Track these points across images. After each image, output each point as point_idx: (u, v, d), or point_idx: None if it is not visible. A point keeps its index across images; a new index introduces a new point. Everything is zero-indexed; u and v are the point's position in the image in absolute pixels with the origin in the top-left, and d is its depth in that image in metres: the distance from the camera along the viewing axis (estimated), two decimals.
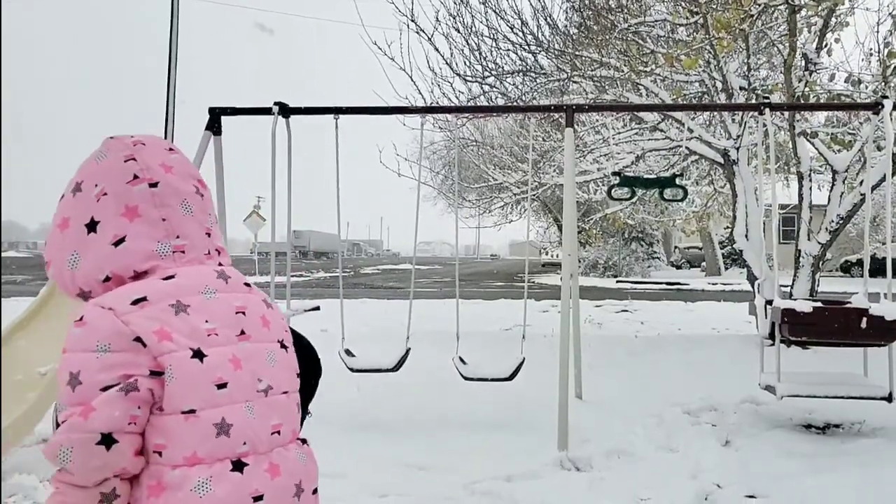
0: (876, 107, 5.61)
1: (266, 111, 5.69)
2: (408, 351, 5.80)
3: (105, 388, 1.29)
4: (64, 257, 1.46)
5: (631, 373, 7.58)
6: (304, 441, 1.56)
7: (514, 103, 10.10)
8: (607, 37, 9.35)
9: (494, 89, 10.46)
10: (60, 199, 1.52)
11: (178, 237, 1.48)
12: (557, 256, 43.52)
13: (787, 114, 8.90)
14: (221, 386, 1.38)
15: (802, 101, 8.19)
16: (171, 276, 1.43)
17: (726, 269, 34.53)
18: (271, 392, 1.48)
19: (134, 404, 1.31)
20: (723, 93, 9.03)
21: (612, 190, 6.77)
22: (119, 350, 1.31)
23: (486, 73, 10.29)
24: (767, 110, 5.61)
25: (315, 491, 1.52)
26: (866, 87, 8.76)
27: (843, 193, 8.69)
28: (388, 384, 6.25)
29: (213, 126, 5.76)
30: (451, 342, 5.95)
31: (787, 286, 8.87)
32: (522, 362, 5.63)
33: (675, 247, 44.06)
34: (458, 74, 10.33)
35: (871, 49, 9.11)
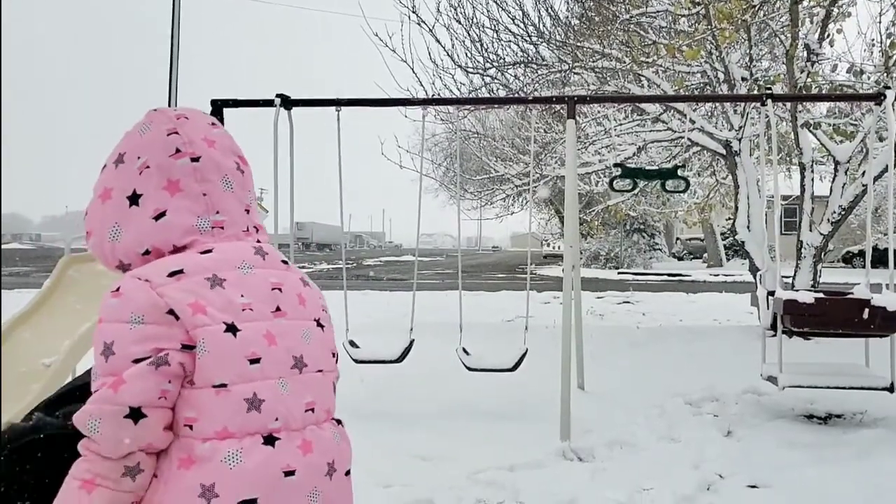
0: (878, 97, 5.61)
1: (268, 103, 5.69)
2: (411, 342, 5.81)
3: (136, 361, 1.29)
4: (105, 229, 1.45)
5: (633, 364, 7.59)
6: (339, 421, 1.54)
7: (516, 95, 10.08)
8: (609, 27, 9.34)
9: (496, 81, 10.45)
10: (102, 169, 1.51)
11: (217, 213, 1.46)
12: (559, 248, 43.47)
13: (789, 105, 8.89)
14: (254, 361, 1.36)
15: (804, 92, 8.18)
16: (209, 251, 1.42)
17: (728, 260, 34.51)
18: (306, 369, 1.45)
19: (164, 378, 1.30)
20: (725, 84, 9.01)
21: (614, 181, 6.77)
22: (152, 322, 1.30)
23: (488, 65, 10.28)
24: (769, 101, 5.61)
25: (348, 473, 1.50)
26: (868, 78, 8.75)
27: (845, 184, 8.68)
28: (392, 375, 6.27)
29: (215, 118, 5.77)
30: (454, 333, 5.96)
31: (788, 277, 8.88)
32: (525, 353, 5.65)
33: (677, 238, 44.02)
34: (460, 66, 10.33)
35: (873, 39, 9.11)
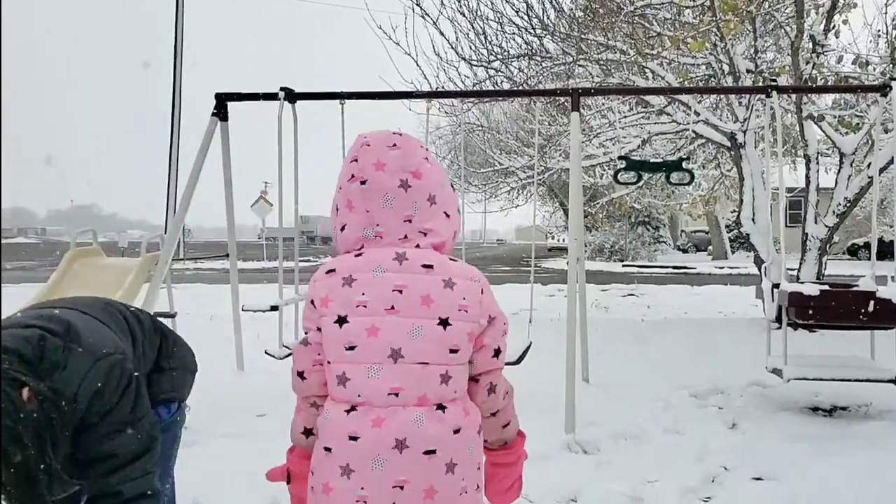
0: (884, 89, 5.59)
1: (272, 96, 5.69)
2: None
3: (305, 334, 1.79)
4: (335, 231, 1.86)
5: (637, 356, 7.59)
6: (441, 407, 1.70)
7: (520, 87, 10.07)
8: (613, 19, 9.31)
9: (500, 73, 10.43)
10: None
11: (377, 225, 1.77)
12: (564, 241, 43.45)
13: (794, 96, 8.87)
14: (350, 348, 1.69)
15: (810, 84, 8.15)
16: (360, 254, 1.77)
17: (733, 252, 34.45)
18: (401, 360, 1.68)
19: (313, 352, 1.77)
20: (729, 76, 8.98)
21: (619, 174, 6.76)
22: (309, 309, 1.77)
23: (492, 58, 10.27)
24: (774, 93, 5.59)
25: (427, 452, 1.66)
26: (874, 69, 8.72)
27: (850, 176, 8.66)
28: None
29: (220, 112, 5.77)
30: None
31: (793, 269, 8.86)
32: (529, 346, 5.64)
33: (682, 231, 43.97)
34: (464, 59, 10.31)
35: (879, 31, 9.07)
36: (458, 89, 10.08)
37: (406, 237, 1.78)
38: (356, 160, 1.80)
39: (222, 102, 5.79)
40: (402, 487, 1.65)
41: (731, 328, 8.97)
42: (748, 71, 8.85)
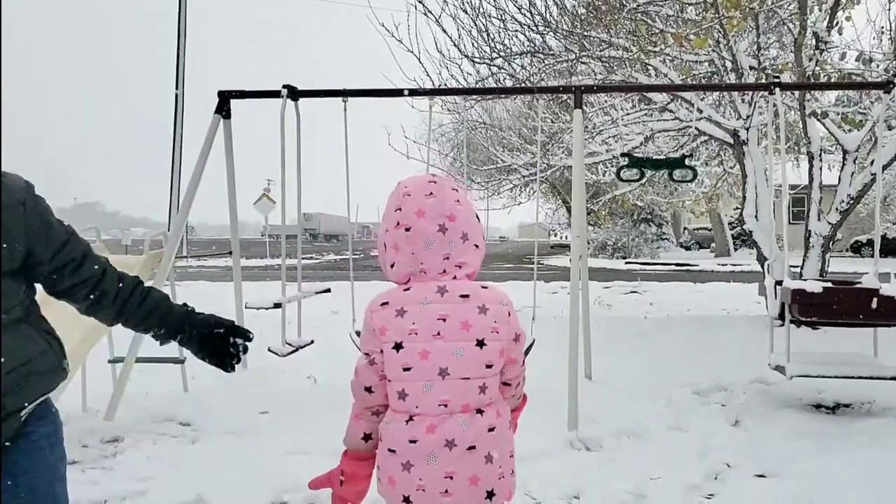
0: (887, 86, 5.58)
1: (275, 94, 5.69)
2: None
3: (365, 355, 2.15)
4: (385, 265, 2.22)
5: (640, 353, 7.60)
6: (479, 412, 2.12)
7: (523, 85, 10.06)
8: (616, 16, 9.29)
9: (502, 71, 10.42)
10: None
11: (421, 263, 2.14)
12: (566, 238, 43.43)
13: (797, 93, 8.85)
14: (407, 369, 2.08)
15: (813, 81, 8.13)
16: (409, 289, 2.15)
17: (736, 249, 34.42)
18: (448, 377, 2.08)
19: (378, 368, 2.13)
20: (732, 72, 8.97)
21: (621, 171, 6.75)
22: (369, 335, 2.13)
23: (494, 55, 10.25)
24: (777, 90, 5.58)
25: (470, 448, 2.08)
26: (878, 66, 8.70)
27: (853, 173, 8.65)
28: None
29: (223, 109, 5.77)
30: None
31: (796, 267, 8.86)
32: (532, 343, 5.64)
33: (685, 228, 43.92)
34: (466, 56, 10.30)
35: (882, 27, 9.05)
36: (461, 86, 10.07)
37: (445, 271, 2.15)
38: (400, 209, 2.16)
39: (225, 100, 5.79)
40: (451, 477, 2.06)
41: (733, 325, 8.96)
42: (751, 68, 8.83)
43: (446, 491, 2.06)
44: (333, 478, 2.28)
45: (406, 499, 2.11)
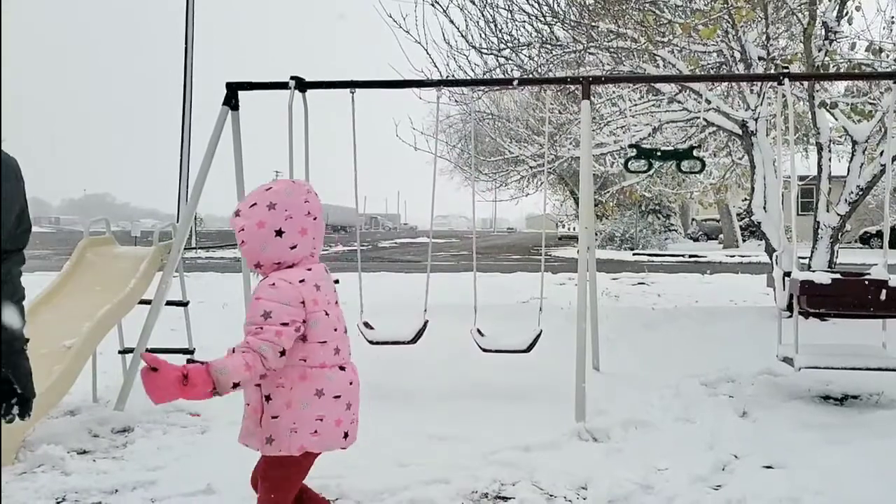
0: None
1: (282, 85, 5.70)
2: (426, 323, 5.84)
3: (283, 325, 2.51)
4: (258, 245, 2.64)
5: (648, 345, 7.59)
6: None
7: (530, 75, 10.03)
8: (624, 7, 9.25)
9: (510, 62, 10.39)
10: (252, 207, 2.65)
11: (314, 248, 2.76)
12: (574, 229, 43.33)
13: (806, 84, 8.81)
14: (335, 329, 2.75)
15: (822, 71, 8.10)
16: (310, 269, 2.71)
17: (744, 241, 34.34)
18: (345, 333, 2.83)
19: (296, 335, 2.56)
20: (741, 63, 8.93)
21: (629, 162, 6.74)
22: (294, 306, 2.56)
23: (502, 46, 10.22)
24: (786, 80, 5.56)
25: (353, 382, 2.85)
26: (887, 56, 8.65)
27: (862, 164, 8.61)
28: (407, 356, 6.30)
29: (231, 101, 5.78)
30: (469, 314, 5.98)
31: (805, 258, 8.83)
32: (540, 334, 5.66)
33: (693, 219, 43.82)
34: (474, 47, 10.27)
35: (892, 17, 8.98)
36: (468, 78, 10.06)
37: (312, 255, 2.77)
38: (308, 201, 2.72)
39: (233, 91, 5.80)
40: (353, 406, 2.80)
41: (741, 317, 8.94)
42: (760, 58, 8.78)
43: (355, 418, 2.80)
44: (176, 380, 2.27)
45: (346, 434, 2.73)
